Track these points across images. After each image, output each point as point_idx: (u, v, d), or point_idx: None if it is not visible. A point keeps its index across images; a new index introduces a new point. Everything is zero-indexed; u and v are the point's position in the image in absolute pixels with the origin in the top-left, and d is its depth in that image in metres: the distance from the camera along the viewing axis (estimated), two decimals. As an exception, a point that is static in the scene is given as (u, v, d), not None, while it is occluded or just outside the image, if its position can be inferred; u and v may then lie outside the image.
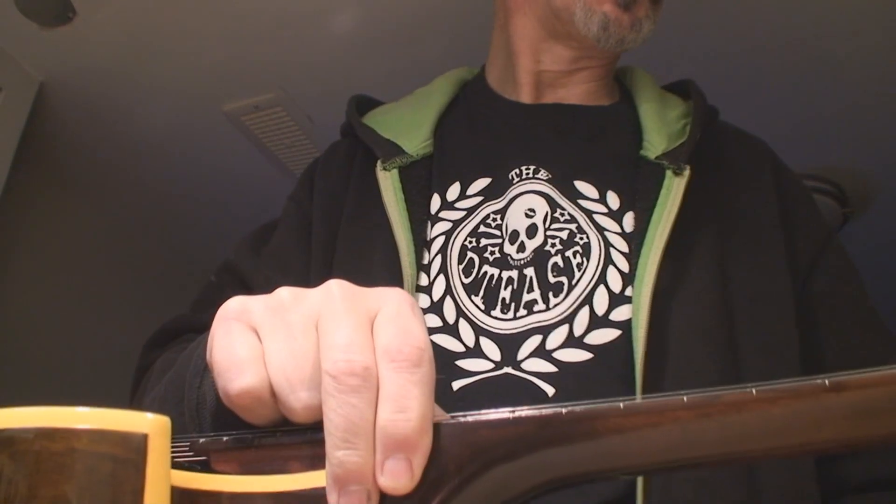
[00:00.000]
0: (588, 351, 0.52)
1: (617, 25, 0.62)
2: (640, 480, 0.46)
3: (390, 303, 0.28)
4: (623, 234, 0.57)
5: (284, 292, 0.30)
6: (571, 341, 0.52)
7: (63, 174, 1.65)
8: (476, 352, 0.53)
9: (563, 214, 0.59)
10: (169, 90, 1.42)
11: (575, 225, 0.58)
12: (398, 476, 0.24)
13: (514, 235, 0.58)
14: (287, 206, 0.71)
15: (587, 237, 0.57)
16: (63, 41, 1.28)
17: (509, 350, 0.53)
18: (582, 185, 0.60)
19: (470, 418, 0.26)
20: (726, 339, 0.53)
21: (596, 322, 0.53)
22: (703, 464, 0.24)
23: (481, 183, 0.63)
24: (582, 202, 0.59)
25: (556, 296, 0.54)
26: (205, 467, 0.28)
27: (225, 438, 0.28)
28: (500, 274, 0.56)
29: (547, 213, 0.59)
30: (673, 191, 0.56)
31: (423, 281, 0.58)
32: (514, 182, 0.62)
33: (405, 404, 0.25)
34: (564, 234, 0.57)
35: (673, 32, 1.21)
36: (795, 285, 0.59)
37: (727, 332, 0.53)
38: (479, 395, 0.51)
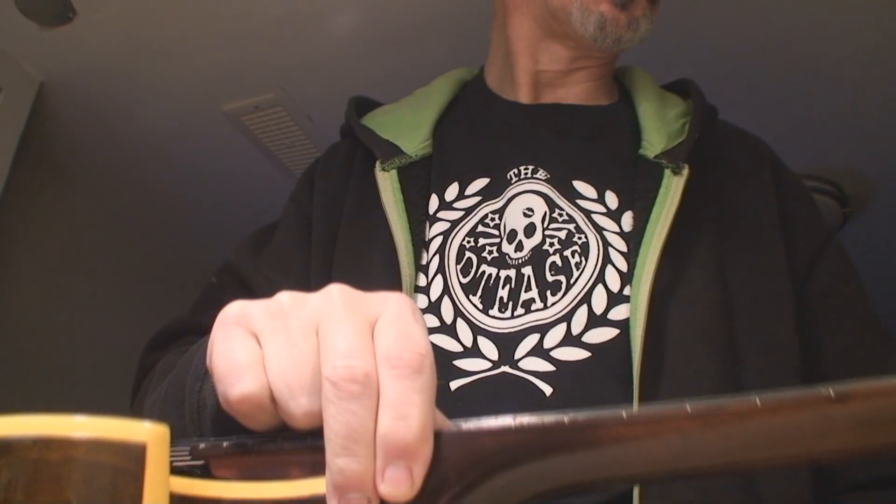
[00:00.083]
0: (586, 350, 0.52)
1: (614, 25, 0.62)
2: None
3: (391, 307, 0.28)
4: (621, 234, 0.57)
5: (285, 296, 0.30)
6: (569, 340, 0.52)
7: (63, 174, 1.65)
8: (474, 351, 0.53)
9: (561, 214, 0.59)
10: (169, 90, 1.42)
11: (573, 225, 0.58)
12: (399, 484, 0.24)
13: (513, 235, 0.58)
14: (287, 206, 0.71)
15: (585, 237, 0.57)
16: (63, 41, 1.28)
17: (507, 349, 0.53)
18: (580, 185, 0.60)
19: (471, 426, 0.25)
20: (725, 339, 0.53)
21: (594, 321, 0.53)
22: (705, 473, 0.24)
23: (480, 183, 0.63)
24: (580, 202, 0.59)
25: (553, 294, 0.54)
26: (205, 472, 0.28)
27: (225, 443, 0.28)
28: (497, 273, 0.56)
29: (545, 212, 0.59)
30: (672, 190, 0.56)
31: (422, 281, 0.58)
32: (513, 182, 0.62)
33: (406, 411, 0.24)
34: (563, 234, 0.57)
35: (673, 33, 1.21)
36: (795, 285, 0.59)
37: (726, 332, 0.53)
38: (477, 394, 0.51)
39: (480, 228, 0.59)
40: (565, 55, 0.68)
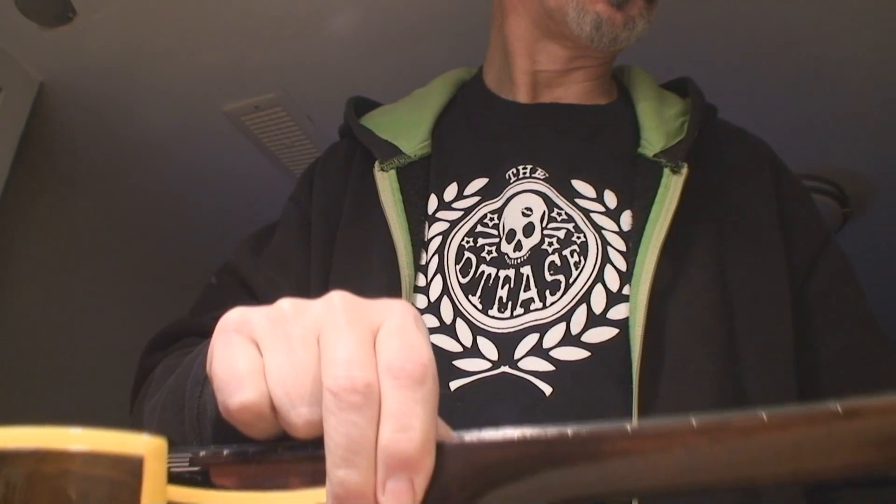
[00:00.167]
0: (585, 349, 0.51)
1: (610, 24, 0.62)
2: None
3: (394, 316, 0.27)
4: (620, 233, 0.57)
5: (286, 303, 0.29)
6: (568, 339, 0.52)
7: (63, 174, 1.65)
8: (473, 351, 0.53)
9: (560, 214, 0.59)
10: (169, 90, 1.42)
11: (572, 224, 0.58)
12: (400, 496, 0.24)
13: (511, 234, 0.58)
14: (286, 206, 0.71)
15: (584, 236, 0.57)
16: (63, 41, 1.28)
17: (506, 349, 0.53)
18: (579, 184, 0.60)
19: (474, 437, 0.25)
20: (725, 338, 0.53)
21: (593, 320, 0.53)
22: (710, 488, 0.23)
23: (478, 183, 0.63)
24: (579, 201, 0.59)
25: (552, 294, 0.54)
26: (205, 479, 0.27)
27: (225, 452, 0.28)
28: (497, 273, 0.56)
29: (544, 212, 0.59)
30: (671, 189, 0.56)
31: (421, 281, 0.58)
32: (512, 182, 0.62)
33: (408, 422, 0.24)
34: (562, 234, 0.57)
35: (673, 33, 1.21)
36: (794, 285, 0.59)
37: (726, 332, 0.53)
38: (476, 394, 0.51)
39: (479, 228, 0.59)
40: (563, 55, 0.68)
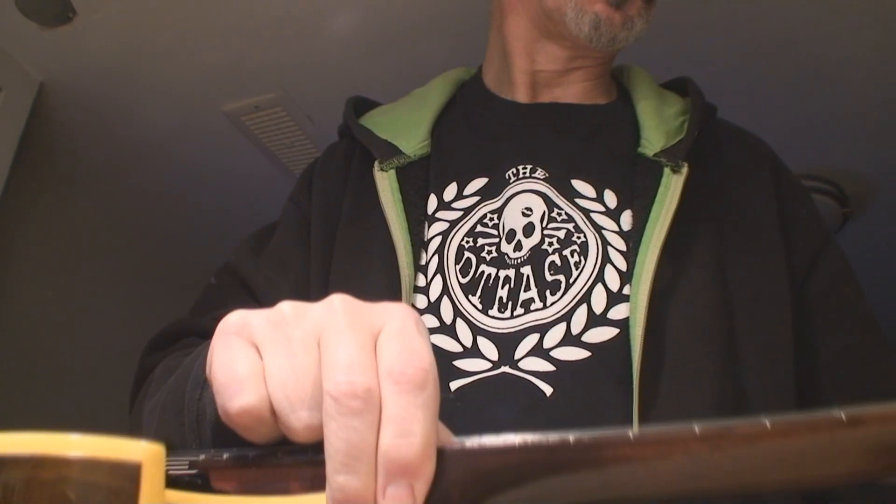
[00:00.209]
0: (586, 349, 0.51)
1: (608, 24, 0.61)
2: None
3: (394, 319, 0.27)
4: (621, 233, 0.57)
5: (286, 306, 0.29)
6: (569, 339, 0.52)
7: (63, 174, 1.65)
8: (473, 352, 0.53)
9: (560, 214, 0.58)
10: (169, 90, 1.42)
11: (572, 224, 0.58)
12: (400, 502, 0.24)
13: (511, 234, 0.58)
14: (286, 206, 0.71)
15: (584, 236, 0.57)
16: (63, 41, 1.28)
17: (507, 349, 0.52)
18: (579, 184, 0.60)
19: (475, 443, 0.25)
20: (725, 338, 0.53)
21: (594, 320, 0.53)
22: (713, 496, 0.23)
23: (478, 183, 0.63)
24: (579, 201, 0.59)
25: (553, 294, 0.54)
26: (204, 483, 0.27)
27: (225, 455, 0.28)
28: (497, 273, 0.56)
29: (544, 212, 0.59)
30: (671, 188, 0.56)
31: (421, 281, 0.58)
32: (511, 181, 0.62)
33: (408, 428, 0.24)
34: (562, 234, 0.57)
35: (673, 33, 1.21)
36: (794, 285, 0.59)
37: (726, 332, 0.53)
38: (477, 395, 0.51)
39: (479, 228, 0.59)
40: (561, 55, 0.68)
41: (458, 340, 0.54)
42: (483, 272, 0.57)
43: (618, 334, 0.52)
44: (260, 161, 1.66)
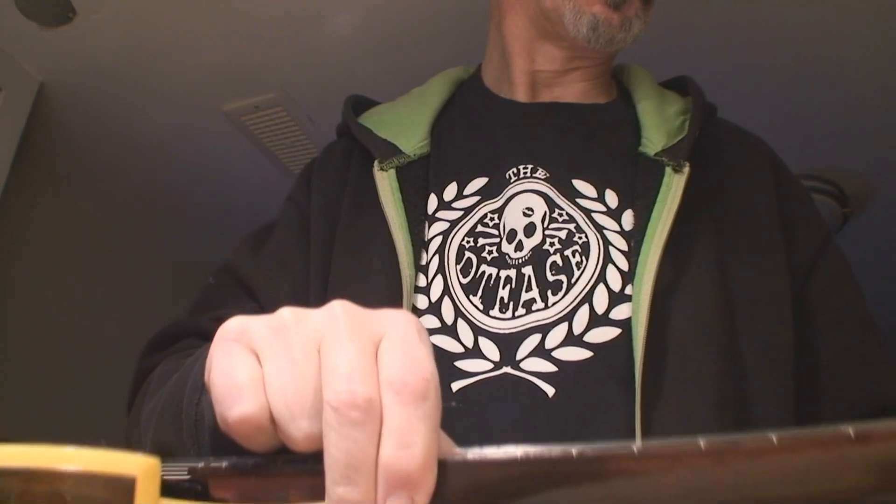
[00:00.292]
0: (588, 349, 0.51)
1: (606, 25, 0.61)
2: None
3: (396, 327, 0.27)
4: (622, 233, 0.57)
5: (286, 312, 0.29)
6: (571, 340, 0.52)
7: (63, 174, 1.65)
8: (475, 352, 0.53)
9: (561, 214, 0.58)
10: (169, 90, 1.42)
11: (573, 224, 0.58)
12: None
13: (512, 234, 0.58)
14: (285, 206, 0.71)
15: (586, 236, 0.57)
16: (63, 41, 1.28)
17: (508, 350, 0.52)
18: (580, 184, 0.60)
19: (476, 455, 0.25)
20: (727, 339, 0.53)
21: (596, 320, 0.52)
22: None
23: (478, 182, 0.62)
24: (580, 201, 0.59)
25: (554, 294, 0.54)
26: (203, 491, 0.27)
27: (224, 464, 0.27)
28: (498, 273, 0.56)
29: (545, 212, 0.59)
30: (673, 188, 0.56)
31: (422, 282, 0.57)
32: (512, 181, 0.62)
33: (409, 439, 0.24)
34: (563, 234, 0.57)
35: (673, 33, 1.21)
36: (794, 285, 0.59)
37: (727, 332, 0.53)
38: (478, 395, 0.51)
39: (480, 228, 0.59)
40: (560, 55, 0.68)
41: (459, 341, 0.54)
42: (484, 272, 0.57)
43: (620, 334, 0.52)
44: (260, 161, 1.66)
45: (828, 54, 1.27)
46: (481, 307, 0.55)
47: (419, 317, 0.56)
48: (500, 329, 0.53)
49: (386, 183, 0.61)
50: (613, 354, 0.51)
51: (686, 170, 0.57)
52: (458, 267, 0.57)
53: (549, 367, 0.51)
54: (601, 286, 0.54)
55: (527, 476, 0.24)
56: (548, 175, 0.61)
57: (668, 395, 0.49)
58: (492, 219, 0.60)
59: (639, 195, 0.57)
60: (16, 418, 1.42)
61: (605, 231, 0.57)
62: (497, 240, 0.58)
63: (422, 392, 0.25)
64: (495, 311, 0.54)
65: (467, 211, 0.61)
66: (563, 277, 0.55)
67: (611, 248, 0.56)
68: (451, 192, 0.63)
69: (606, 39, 0.62)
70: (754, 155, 0.66)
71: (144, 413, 0.48)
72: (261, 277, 0.63)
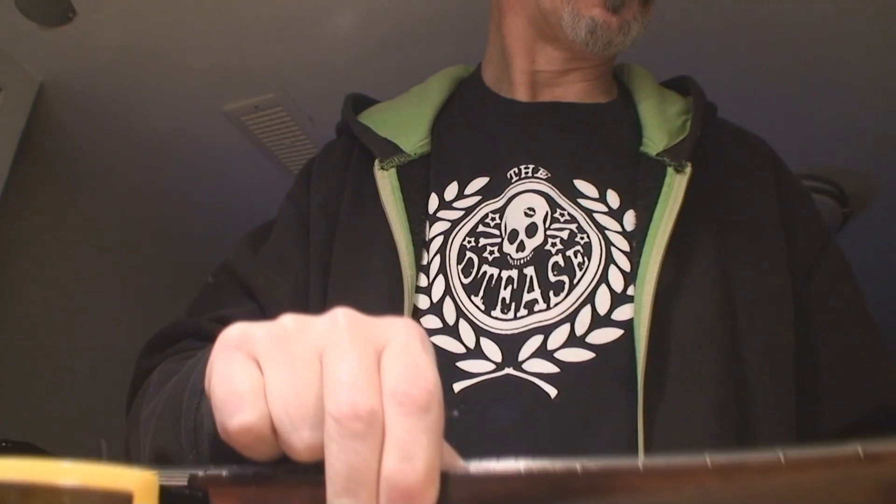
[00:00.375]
0: (590, 350, 0.51)
1: (605, 29, 0.61)
2: None
3: (399, 336, 0.26)
4: (624, 233, 0.56)
5: (288, 320, 0.28)
6: (573, 341, 0.52)
7: (63, 174, 1.65)
8: (476, 353, 0.53)
9: (563, 214, 0.58)
10: (169, 90, 1.42)
11: (575, 225, 0.57)
12: None
13: (514, 235, 0.58)
14: (284, 205, 0.70)
15: (588, 237, 0.56)
16: (63, 41, 1.28)
17: (510, 350, 0.52)
18: (581, 184, 0.60)
19: (479, 469, 0.24)
20: (729, 339, 0.53)
21: (598, 321, 0.52)
22: None
23: (479, 182, 0.62)
24: (582, 201, 0.59)
25: (556, 295, 0.54)
26: (203, 499, 0.27)
27: (224, 472, 0.27)
28: (499, 273, 0.56)
29: (547, 212, 0.58)
30: (674, 188, 0.56)
31: (423, 282, 0.57)
32: (513, 181, 0.61)
33: (412, 452, 0.23)
34: (565, 234, 0.57)
35: (674, 34, 1.21)
36: (795, 285, 0.59)
37: (729, 333, 0.53)
38: (480, 396, 0.51)
39: (481, 228, 0.59)
40: (559, 56, 0.67)
41: (460, 341, 0.54)
42: (485, 272, 0.56)
43: (622, 335, 0.51)
44: (260, 161, 1.66)
45: (828, 54, 1.27)
46: (483, 308, 0.55)
47: (420, 317, 0.55)
48: (501, 330, 0.53)
49: (386, 182, 0.61)
50: (615, 355, 0.51)
51: (688, 170, 0.57)
52: (460, 267, 0.57)
53: (552, 369, 0.51)
54: (603, 287, 0.54)
55: (530, 491, 0.24)
56: (549, 175, 0.61)
57: (669, 395, 0.49)
58: (493, 219, 0.59)
59: (640, 195, 0.57)
60: (16, 418, 1.42)
61: (606, 231, 0.57)
62: (498, 240, 0.58)
63: (425, 403, 0.24)
64: (497, 312, 0.54)
65: (468, 211, 0.61)
66: (564, 278, 0.55)
67: (613, 248, 0.56)
68: (451, 191, 0.62)
69: (605, 43, 0.62)
70: (754, 155, 0.66)
71: (143, 414, 0.48)
72: (260, 277, 0.63)
